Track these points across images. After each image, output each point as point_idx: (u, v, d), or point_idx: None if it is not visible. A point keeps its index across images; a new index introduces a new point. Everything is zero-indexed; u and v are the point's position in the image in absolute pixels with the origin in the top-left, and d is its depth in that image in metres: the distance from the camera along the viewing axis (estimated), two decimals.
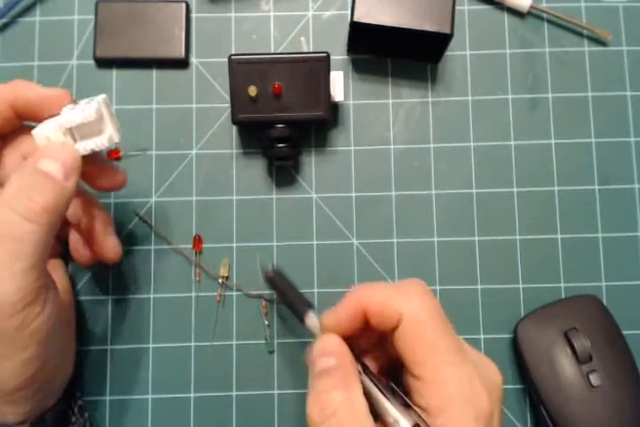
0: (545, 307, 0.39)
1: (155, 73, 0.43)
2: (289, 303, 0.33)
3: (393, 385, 0.28)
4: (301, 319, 0.32)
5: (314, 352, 0.29)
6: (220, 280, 0.40)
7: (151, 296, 0.40)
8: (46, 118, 0.32)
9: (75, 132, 0.31)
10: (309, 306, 0.32)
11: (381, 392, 0.28)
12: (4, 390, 0.28)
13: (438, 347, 0.27)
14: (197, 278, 0.40)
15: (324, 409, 0.26)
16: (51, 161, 0.29)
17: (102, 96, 0.31)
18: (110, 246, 0.36)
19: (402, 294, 0.28)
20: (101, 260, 0.36)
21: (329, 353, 0.29)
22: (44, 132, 0.31)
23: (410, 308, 0.27)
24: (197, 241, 0.40)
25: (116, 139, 0.32)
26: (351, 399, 0.27)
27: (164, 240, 0.40)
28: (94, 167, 0.33)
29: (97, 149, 0.31)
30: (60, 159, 0.29)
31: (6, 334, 0.27)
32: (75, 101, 0.32)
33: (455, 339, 0.27)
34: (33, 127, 0.32)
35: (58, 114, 0.31)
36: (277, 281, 0.34)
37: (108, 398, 0.39)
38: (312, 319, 0.31)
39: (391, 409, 0.27)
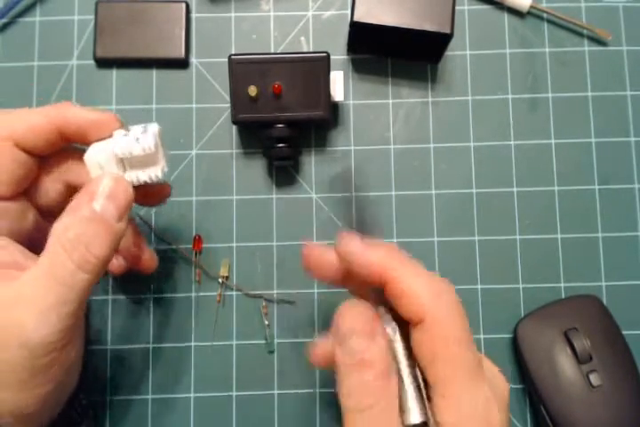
0: (545, 307, 0.39)
1: (155, 73, 0.43)
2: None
3: (419, 374, 0.26)
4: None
5: (342, 324, 0.26)
6: (220, 280, 0.40)
7: (151, 296, 0.40)
8: (93, 141, 0.31)
9: (125, 161, 0.30)
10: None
11: (410, 377, 0.26)
12: (21, 416, 0.28)
13: (459, 361, 0.25)
14: (197, 278, 0.40)
15: (359, 402, 0.25)
16: (107, 202, 0.28)
17: (157, 127, 0.31)
18: (148, 257, 0.36)
19: (432, 291, 0.25)
20: (137, 269, 0.36)
21: (362, 333, 0.26)
22: (96, 160, 0.30)
23: (438, 311, 0.25)
24: (197, 241, 0.40)
25: (166, 169, 0.31)
26: (389, 395, 0.25)
27: (164, 240, 0.40)
28: (143, 191, 0.32)
29: (150, 182, 0.31)
30: (115, 200, 0.28)
31: (35, 370, 0.27)
32: (123, 125, 0.31)
33: (475, 353, 0.25)
34: (77, 150, 0.32)
35: (107, 137, 0.31)
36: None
37: (108, 398, 0.39)
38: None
39: (410, 398, 0.25)
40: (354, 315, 0.27)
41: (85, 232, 0.27)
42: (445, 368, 0.25)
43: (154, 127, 0.30)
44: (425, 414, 0.25)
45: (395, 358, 0.26)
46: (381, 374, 0.25)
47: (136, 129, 0.30)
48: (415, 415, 0.25)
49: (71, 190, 0.32)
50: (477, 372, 0.25)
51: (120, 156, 0.30)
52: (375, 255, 0.26)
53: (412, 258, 0.27)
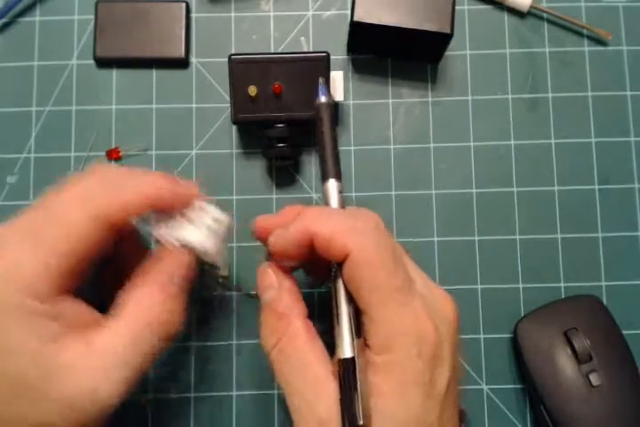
0: (545, 307, 0.39)
1: (155, 73, 0.43)
2: (322, 151, 0.32)
3: (349, 315, 0.28)
4: (323, 179, 0.31)
5: (257, 286, 0.30)
6: (220, 280, 0.40)
7: None
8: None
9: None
10: (337, 174, 0.31)
11: (339, 318, 0.28)
12: None
13: (383, 286, 0.26)
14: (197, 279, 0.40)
15: (268, 340, 0.28)
16: (182, 281, 0.31)
17: (228, 220, 0.32)
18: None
19: (350, 229, 0.27)
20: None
21: (267, 285, 0.30)
22: (170, 238, 0.31)
23: (357, 244, 0.27)
24: None
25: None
26: (290, 328, 0.28)
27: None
28: None
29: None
30: (187, 278, 0.31)
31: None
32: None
33: (403, 276, 0.27)
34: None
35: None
36: (325, 116, 0.33)
37: None
38: (332, 187, 0.31)
39: (341, 334, 0.27)
40: (264, 273, 0.30)
41: (170, 309, 0.29)
42: (370, 293, 0.26)
43: (226, 223, 0.32)
44: (354, 351, 0.26)
45: (334, 300, 0.28)
46: (281, 314, 0.28)
47: (210, 210, 0.32)
48: (344, 350, 0.26)
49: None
50: (405, 293, 0.27)
51: (188, 244, 0.31)
52: (292, 231, 0.29)
53: (324, 207, 0.31)
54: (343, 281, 0.28)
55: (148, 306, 0.29)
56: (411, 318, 0.26)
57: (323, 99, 0.33)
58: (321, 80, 0.34)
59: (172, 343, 0.30)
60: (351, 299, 0.28)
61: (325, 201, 0.31)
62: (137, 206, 0.29)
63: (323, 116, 0.33)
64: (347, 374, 0.26)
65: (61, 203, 0.28)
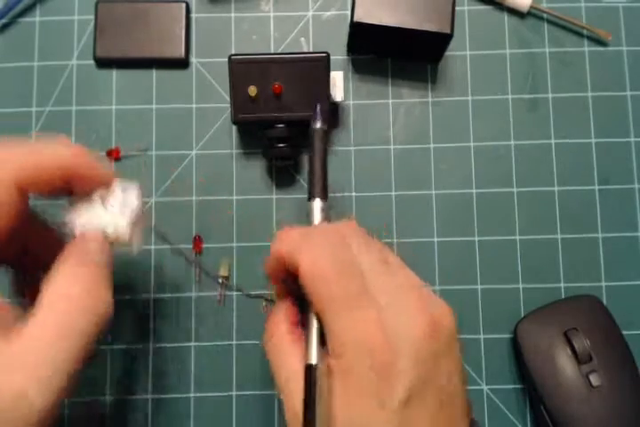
0: (545, 307, 0.39)
1: (155, 73, 0.43)
2: (311, 172, 0.33)
3: (317, 323, 0.28)
4: (309, 197, 0.33)
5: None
6: (220, 280, 0.40)
7: (151, 296, 0.40)
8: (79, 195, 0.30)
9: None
10: (322, 194, 0.33)
11: (308, 326, 0.29)
12: None
13: (333, 297, 0.27)
14: (197, 279, 0.40)
15: (265, 338, 0.31)
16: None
17: (136, 195, 0.31)
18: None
19: (303, 245, 0.28)
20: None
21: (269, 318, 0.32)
22: (80, 224, 0.30)
23: (306, 259, 0.28)
24: (197, 242, 0.40)
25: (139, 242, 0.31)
26: (278, 331, 0.30)
27: (164, 240, 0.40)
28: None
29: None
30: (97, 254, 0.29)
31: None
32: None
33: (356, 287, 0.27)
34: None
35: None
36: (317, 141, 0.34)
37: (107, 398, 0.39)
38: (316, 206, 0.32)
39: (308, 342, 0.28)
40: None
41: (91, 294, 0.27)
42: (322, 304, 0.27)
43: (133, 197, 0.31)
44: (316, 357, 0.28)
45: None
46: (275, 322, 0.30)
47: (116, 196, 0.30)
48: (309, 356, 0.28)
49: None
50: (356, 303, 0.27)
51: (107, 231, 0.30)
52: (273, 249, 0.30)
53: (295, 227, 0.31)
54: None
55: (66, 294, 0.27)
56: (360, 328, 0.26)
57: (317, 124, 0.35)
58: (318, 106, 0.36)
59: (105, 331, 0.28)
60: None
61: (309, 219, 0.33)
62: (50, 172, 0.28)
63: (315, 142, 0.34)
64: (308, 380, 0.27)
65: None
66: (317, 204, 0.32)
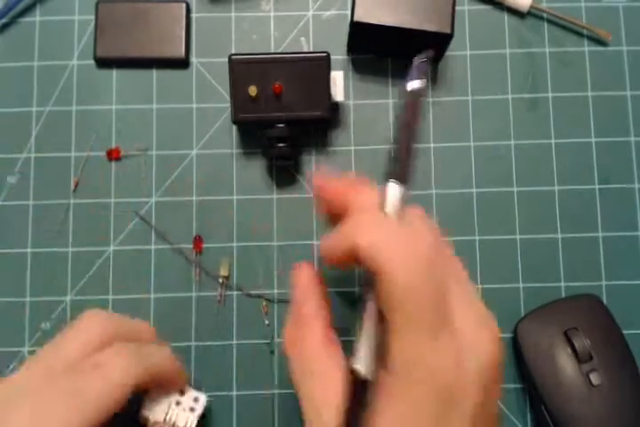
0: (545, 307, 0.39)
1: (155, 73, 0.43)
2: (394, 151, 0.27)
3: (374, 327, 0.26)
4: (384, 179, 0.27)
5: (292, 281, 0.30)
6: (221, 280, 0.40)
7: (151, 296, 0.40)
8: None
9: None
10: (402, 176, 0.27)
11: (369, 329, 0.26)
12: None
13: (411, 316, 0.24)
14: (197, 278, 0.40)
15: (288, 340, 0.29)
16: None
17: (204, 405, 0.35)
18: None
19: (392, 246, 0.25)
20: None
21: (300, 284, 0.30)
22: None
23: (394, 266, 0.24)
24: (197, 242, 0.40)
25: None
26: (308, 333, 0.28)
27: (164, 240, 0.40)
28: None
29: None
30: None
31: None
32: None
33: (436, 311, 0.24)
34: None
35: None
36: (410, 106, 0.27)
37: None
38: (391, 191, 0.27)
39: (359, 347, 0.25)
40: (299, 275, 0.30)
41: None
42: (397, 319, 0.24)
43: (201, 404, 0.35)
44: (369, 366, 0.25)
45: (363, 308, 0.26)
46: (304, 317, 0.28)
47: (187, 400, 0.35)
48: (357, 362, 0.25)
49: None
50: (440, 327, 0.24)
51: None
52: (335, 238, 0.27)
53: (375, 213, 0.27)
54: (376, 295, 0.26)
55: None
56: (438, 359, 0.24)
57: (414, 84, 0.27)
58: (416, 59, 0.28)
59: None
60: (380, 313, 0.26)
61: (382, 205, 0.27)
62: (158, 378, 0.33)
63: (407, 108, 0.27)
64: (356, 391, 0.25)
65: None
66: (394, 189, 0.26)
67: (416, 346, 0.24)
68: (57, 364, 0.30)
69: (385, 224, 0.26)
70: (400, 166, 0.27)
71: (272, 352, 0.39)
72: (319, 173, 0.30)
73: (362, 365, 0.25)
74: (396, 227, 0.26)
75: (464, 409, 0.24)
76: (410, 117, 0.27)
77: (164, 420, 0.34)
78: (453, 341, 0.25)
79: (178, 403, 0.35)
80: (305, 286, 0.30)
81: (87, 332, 0.32)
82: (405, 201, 0.27)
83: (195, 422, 0.34)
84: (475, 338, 0.25)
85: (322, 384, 0.26)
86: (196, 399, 0.35)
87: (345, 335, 0.29)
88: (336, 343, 0.28)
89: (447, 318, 0.25)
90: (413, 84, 0.27)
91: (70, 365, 0.30)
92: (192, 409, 0.35)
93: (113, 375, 0.30)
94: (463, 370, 0.24)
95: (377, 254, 0.25)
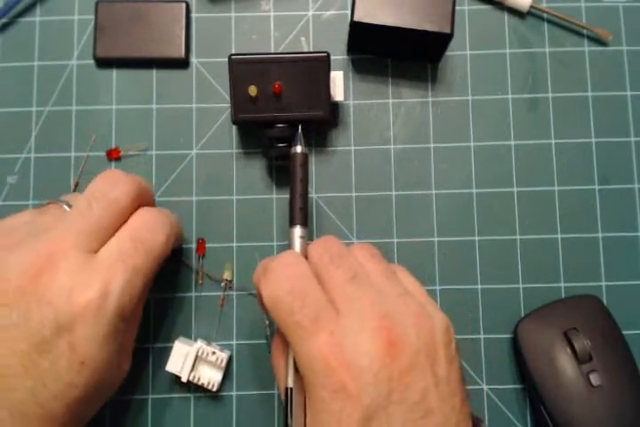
0: (545, 307, 0.39)
1: (155, 73, 0.43)
2: (292, 198, 0.35)
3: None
4: (290, 223, 0.34)
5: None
6: (223, 284, 0.40)
7: (151, 296, 0.40)
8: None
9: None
10: (302, 221, 0.34)
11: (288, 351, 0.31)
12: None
13: (286, 324, 0.29)
14: (201, 282, 0.40)
15: (272, 355, 0.34)
16: None
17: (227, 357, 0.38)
18: None
19: (261, 277, 0.31)
20: None
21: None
22: (182, 351, 0.38)
23: (264, 291, 0.30)
24: (201, 245, 0.40)
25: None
26: (274, 355, 0.34)
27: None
28: None
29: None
30: None
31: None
32: None
33: (305, 313, 0.28)
34: None
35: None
36: (297, 166, 0.35)
37: None
38: (295, 233, 0.34)
39: (288, 366, 0.31)
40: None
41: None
42: (283, 330, 0.30)
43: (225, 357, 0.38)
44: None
45: None
46: (282, 342, 0.32)
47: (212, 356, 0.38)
48: (288, 380, 0.31)
49: None
50: (308, 328, 0.28)
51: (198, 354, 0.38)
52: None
53: (273, 258, 0.32)
54: None
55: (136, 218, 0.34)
56: (314, 353, 0.28)
57: (298, 149, 0.35)
58: (299, 130, 0.37)
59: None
60: None
61: (289, 245, 0.34)
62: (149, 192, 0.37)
63: (296, 166, 0.35)
64: (287, 401, 0.30)
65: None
66: (297, 231, 0.34)
67: (297, 346, 0.29)
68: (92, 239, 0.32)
69: (264, 262, 0.33)
70: (298, 213, 0.34)
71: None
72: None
73: (289, 382, 0.31)
74: (264, 264, 0.33)
75: (361, 403, 0.27)
76: (298, 175, 0.35)
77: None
78: (332, 335, 0.28)
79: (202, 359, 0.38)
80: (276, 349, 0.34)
81: (116, 200, 0.33)
82: (306, 239, 0.34)
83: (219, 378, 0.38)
84: (361, 329, 0.28)
85: (299, 397, 0.30)
86: (218, 357, 0.38)
87: None
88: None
89: (319, 317, 0.29)
90: (296, 149, 0.35)
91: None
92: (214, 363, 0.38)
93: (155, 251, 0.33)
94: (350, 364, 0.27)
95: (258, 286, 0.32)
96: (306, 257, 0.32)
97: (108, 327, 0.30)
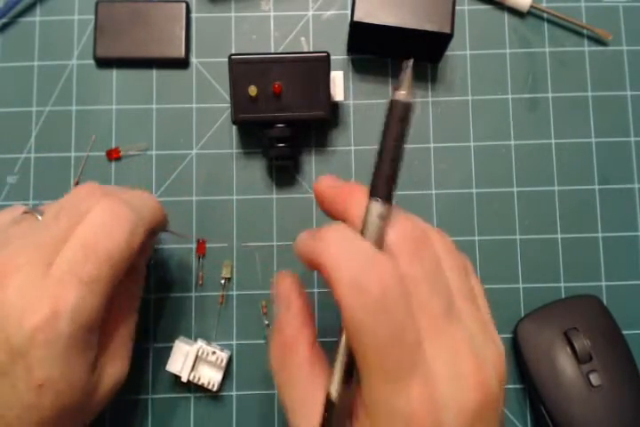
0: (545, 307, 0.39)
1: (155, 73, 0.43)
2: (379, 160, 0.26)
3: (346, 355, 0.25)
4: (371, 193, 0.26)
5: (273, 294, 0.30)
6: (223, 282, 0.40)
7: (151, 296, 0.40)
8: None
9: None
10: (386, 193, 0.25)
11: (337, 354, 0.25)
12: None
13: (378, 364, 0.23)
14: (201, 282, 0.40)
15: (275, 365, 0.28)
16: None
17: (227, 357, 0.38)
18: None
19: (354, 288, 0.24)
20: None
21: (281, 299, 0.29)
22: (183, 350, 0.38)
23: (352, 310, 0.23)
24: (201, 245, 0.40)
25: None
26: (295, 359, 0.27)
27: (164, 240, 0.40)
28: None
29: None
30: None
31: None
32: None
33: (409, 353, 0.23)
34: None
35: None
36: (396, 118, 0.26)
37: None
38: (372, 211, 0.25)
39: (335, 371, 0.25)
40: (279, 285, 0.30)
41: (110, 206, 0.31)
42: (361, 360, 0.24)
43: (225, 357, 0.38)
44: (337, 391, 0.25)
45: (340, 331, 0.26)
46: (289, 340, 0.28)
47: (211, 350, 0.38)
48: (332, 387, 0.25)
49: None
50: (402, 372, 0.23)
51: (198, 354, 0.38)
52: (303, 247, 0.28)
53: (351, 235, 0.25)
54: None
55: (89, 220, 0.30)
56: (401, 402, 0.23)
57: (400, 94, 0.25)
58: (408, 66, 0.25)
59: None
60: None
61: (362, 225, 0.25)
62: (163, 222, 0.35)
63: (393, 119, 0.26)
64: (328, 414, 0.25)
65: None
66: (375, 207, 0.25)
67: (376, 389, 0.23)
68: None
69: (355, 252, 0.24)
70: (383, 182, 0.25)
71: None
72: (320, 180, 0.29)
73: (333, 389, 0.25)
74: (363, 256, 0.24)
75: None
76: (397, 130, 0.26)
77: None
78: (426, 385, 0.23)
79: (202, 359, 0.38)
80: (286, 298, 0.29)
81: (85, 212, 0.30)
82: (389, 218, 0.25)
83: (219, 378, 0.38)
84: (450, 385, 0.23)
85: (304, 406, 0.27)
86: (218, 357, 0.38)
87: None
88: (321, 360, 0.28)
89: (414, 360, 0.23)
90: (399, 93, 0.25)
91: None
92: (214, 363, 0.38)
93: (113, 256, 0.30)
94: (438, 415, 0.23)
95: (338, 290, 0.24)
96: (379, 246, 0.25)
97: (65, 347, 0.28)
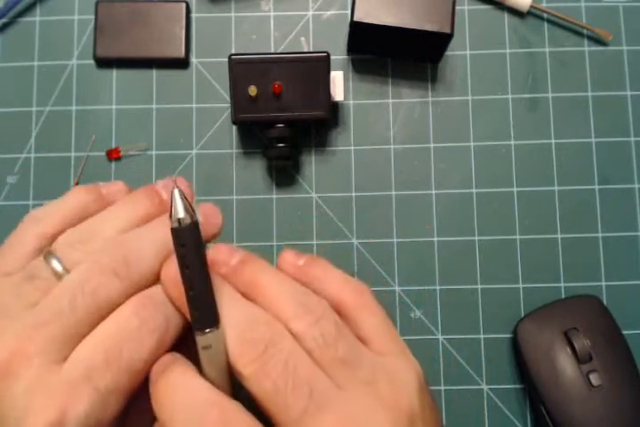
0: (545, 307, 0.39)
1: (155, 73, 0.43)
2: (192, 290, 0.23)
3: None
4: (196, 328, 0.23)
5: None
6: None
7: None
8: None
9: None
10: (211, 321, 0.23)
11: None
12: None
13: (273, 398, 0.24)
14: None
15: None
16: None
17: None
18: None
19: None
20: None
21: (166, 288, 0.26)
22: None
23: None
24: None
25: None
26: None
27: None
28: None
29: None
30: None
31: None
32: None
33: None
34: None
35: None
36: (186, 237, 0.22)
37: None
38: (208, 339, 0.23)
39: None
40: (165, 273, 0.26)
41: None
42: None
43: None
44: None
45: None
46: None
47: None
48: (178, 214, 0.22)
49: None
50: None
51: None
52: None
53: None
54: None
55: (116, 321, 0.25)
56: None
57: (180, 214, 0.22)
58: (176, 191, 0.23)
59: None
60: None
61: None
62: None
63: (175, 246, 0.22)
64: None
65: None
66: (205, 340, 0.23)
67: None
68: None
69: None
70: (207, 312, 0.23)
71: None
72: None
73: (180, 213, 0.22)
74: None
75: None
76: (194, 254, 0.22)
77: None
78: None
79: None
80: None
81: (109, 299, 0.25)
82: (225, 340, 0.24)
83: None
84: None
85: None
86: None
87: None
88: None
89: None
90: (177, 215, 0.22)
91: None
92: None
93: (136, 366, 0.25)
94: None
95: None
96: None
97: None
